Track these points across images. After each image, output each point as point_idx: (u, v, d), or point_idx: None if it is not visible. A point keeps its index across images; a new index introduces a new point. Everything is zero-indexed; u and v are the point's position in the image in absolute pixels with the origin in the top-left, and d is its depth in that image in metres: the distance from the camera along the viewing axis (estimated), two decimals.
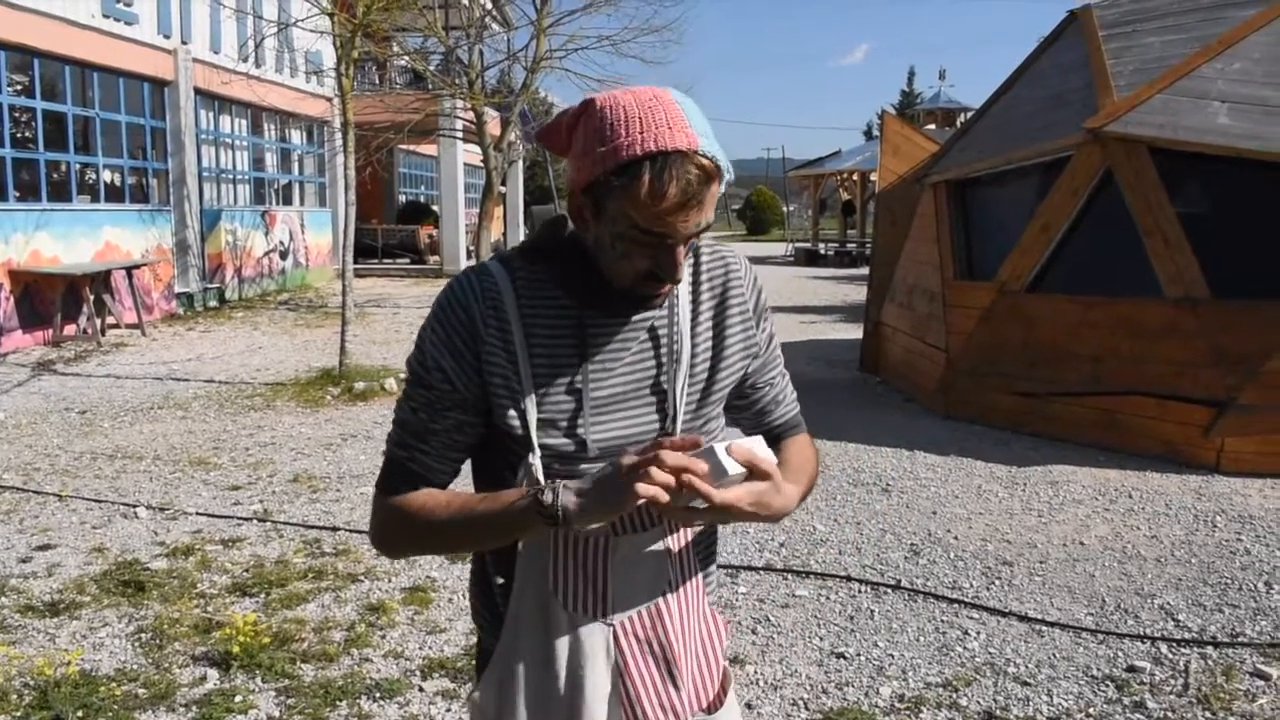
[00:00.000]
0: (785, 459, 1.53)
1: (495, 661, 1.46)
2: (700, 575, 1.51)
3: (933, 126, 27.29)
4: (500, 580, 1.48)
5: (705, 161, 1.26)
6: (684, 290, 1.47)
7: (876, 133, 30.79)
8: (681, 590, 1.46)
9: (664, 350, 1.44)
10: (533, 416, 1.40)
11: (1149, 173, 6.72)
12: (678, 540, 1.46)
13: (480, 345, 1.40)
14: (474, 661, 3.70)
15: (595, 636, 1.41)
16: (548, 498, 1.30)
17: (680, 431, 1.45)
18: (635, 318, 1.43)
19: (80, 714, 3.27)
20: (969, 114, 21.85)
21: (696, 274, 1.50)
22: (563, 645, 1.41)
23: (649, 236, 1.29)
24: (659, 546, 1.44)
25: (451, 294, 1.43)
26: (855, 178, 29.95)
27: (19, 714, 3.29)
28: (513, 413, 1.40)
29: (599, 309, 1.41)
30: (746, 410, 1.59)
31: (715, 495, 1.26)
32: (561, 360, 1.41)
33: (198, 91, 15.30)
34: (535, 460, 1.40)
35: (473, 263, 16.18)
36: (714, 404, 1.50)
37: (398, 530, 1.46)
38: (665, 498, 1.24)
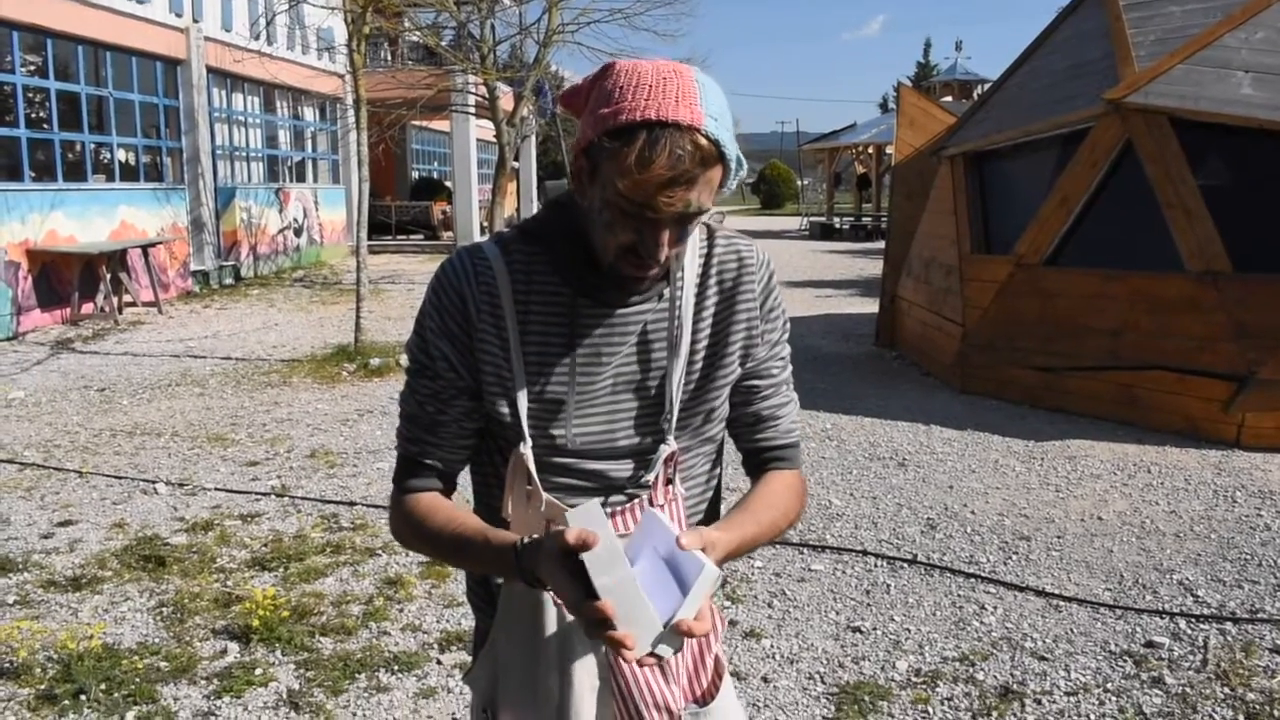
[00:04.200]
0: (751, 498, 1.44)
1: (490, 644, 1.46)
2: None
3: (949, 99, 27.06)
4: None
5: (704, 141, 1.20)
6: (689, 280, 1.41)
7: (892, 105, 30.58)
8: None
9: (662, 343, 1.40)
10: (523, 406, 1.37)
11: (1170, 144, 6.64)
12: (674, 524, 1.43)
13: (473, 330, 1.37)
14: None
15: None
16: (525, 562, 1.25)
17: (675, 426, 1.41)
18: (632, 309, 1.38)
19: (103, 687, 3.30)
20: (986, 86, 21.66)
21: (707, 263, 1.44)
22: (551, 637, 1.40)
23: (633, 208, 1.23)
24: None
25: (445, 276, 1.40)
26: (870, 151, 29.75)
27: (43, 687, 3.32)
28: (503, 401, 1.38)
29: (594, 298, 1.37)
30: (736, 422, 1.50)
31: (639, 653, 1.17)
32: (554, 350, 1.37)
33: (210, 70, 15.28)
34: (526, 450, 1.38)
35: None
36: (709, 401, 1.44)
37: (406, 529, 1.45)
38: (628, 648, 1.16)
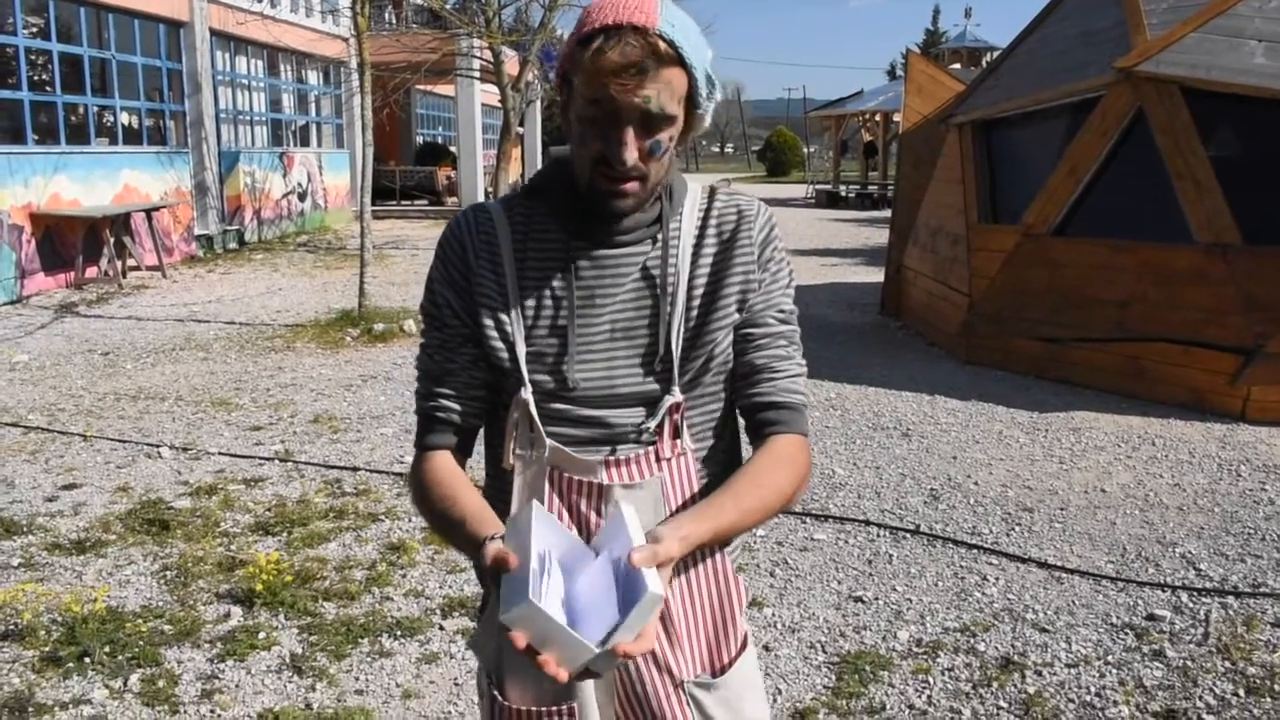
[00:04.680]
0: (738, 476, 1.38)
1: (493, 609, 1.45)
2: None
3: (958, 66, 26.79)
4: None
5: (657, 40, 1.26)
6: (687, 229, 1.44)
7: (900, 73, 30.31)
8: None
9: (658, 289, 1.41)
10: (521, 350, 1.39)
11: (1181, 114, 6.57)
12: (678, 492, 1.41)
13: (472, 276, 1.41)
14: None
15: None
16: (484, 562, 1.23)
17: (678, 375, 1.40)
18: (626, 250, 1.40)
19: (107, 649, 3.32)
20: (995, 53, 21.45)
21: (706, 216, 1.46)
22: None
23: (595, 109, 1.28)
24: (655, 498, 1.39)
25: (449, 231, 1.46)
26: (878, 118, 29.48)
27: (47, 649, 3.34)
28: (500, 345, 1.40)
29: (588, 239, 1.40)
30: (733, 375, 1.46)
31: (562, 675, 1.14)
32: (551, 294, 1.40)
33: (213, 33, 15.16)
34: (527, 395, 1.39)
35: None
36: (707, 348, 1.41)
37: (415, 494, 1.46)
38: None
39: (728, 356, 1.44)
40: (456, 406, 1.44)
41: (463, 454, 1.47)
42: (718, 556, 1.48)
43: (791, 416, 1.44)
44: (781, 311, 1.47)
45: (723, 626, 1.47)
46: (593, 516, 1.38)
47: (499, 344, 1.40)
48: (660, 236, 1.42)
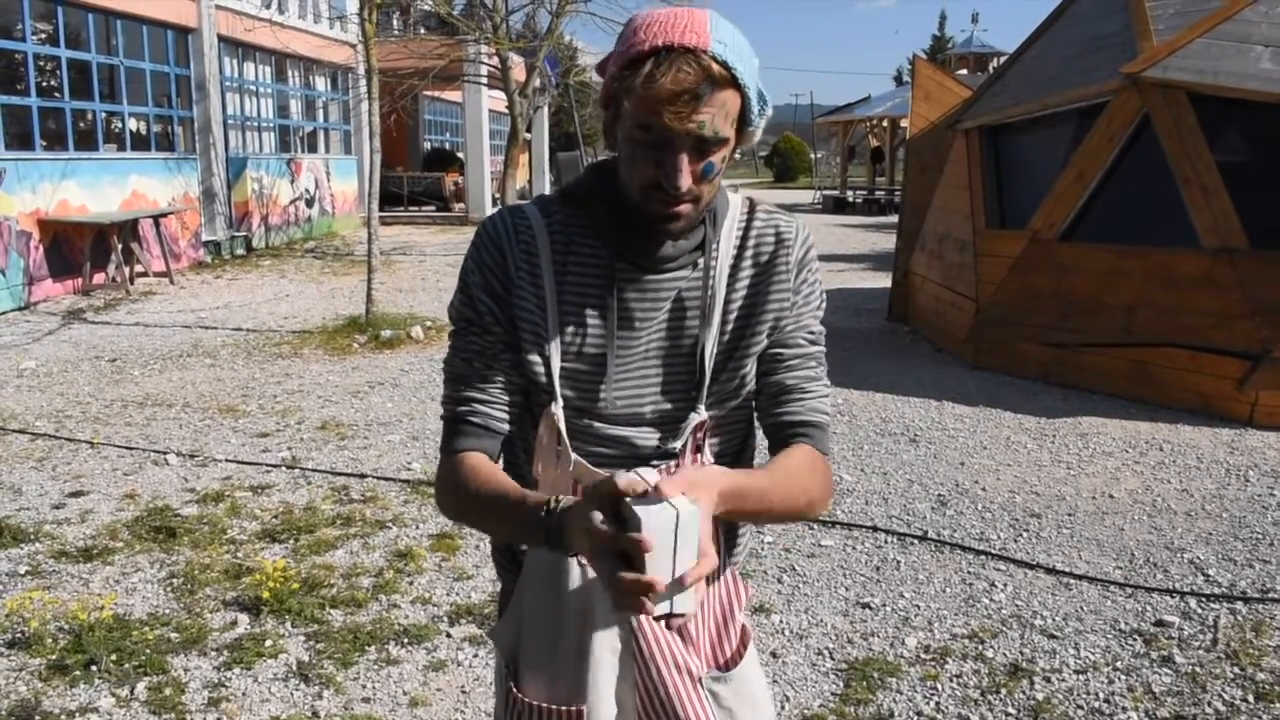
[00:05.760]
0: (776, 460, 1.39)
1: (515, 601, 1.46)
2: (720, 533, 1.46)
3: (965, 72, 26.81)
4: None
5: (710, 62, 1.22)
6: (725, 250, 1.43)
7: (907, 78, 30.32)
8: None
9: (695, 312, 1.41)
10: (556, 365, 1.38)
11: (1188, 119, 6.56)
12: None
13: (511, 285, 1.39)
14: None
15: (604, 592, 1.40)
16: (553, 520, 1.22)
17: (706, 397, 1.41)
18: (668, 275, 1.39)
19: (114, 657, 3.33)
20: (1002, 59, 21.42)
21: (744, 237, 1.45)
22: (573, 598, 1.40)
23: (648, 135, 1.25)
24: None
25: (485, 233, 1.42)
26: (885, 124, 29.50)
27: (54, 657, 3.35)
28: (537, 358, 1.39)
29: (632, 261, 1.38)
30: (760, 394, 1.47)
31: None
32: (590, 311, 1.39)
33: (221, 39, 15.21)
34: (557, 410, 1.38)
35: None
36: (738, 372, 1.43)
37: (449, 494, 1.42)
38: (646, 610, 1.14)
39: (753, 378, 1.46)
40: (494, 412, 1.41)
41: (493, 460, 1.45)
42: (724, 555, 1.49)
43: (819, 435, 1.45)
44: (811, 333, 1.48)
45: (724, 623, 1.50)
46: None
47: (535, 358, 1.39)
48: (701, 262, 1.41)
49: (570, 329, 1.39)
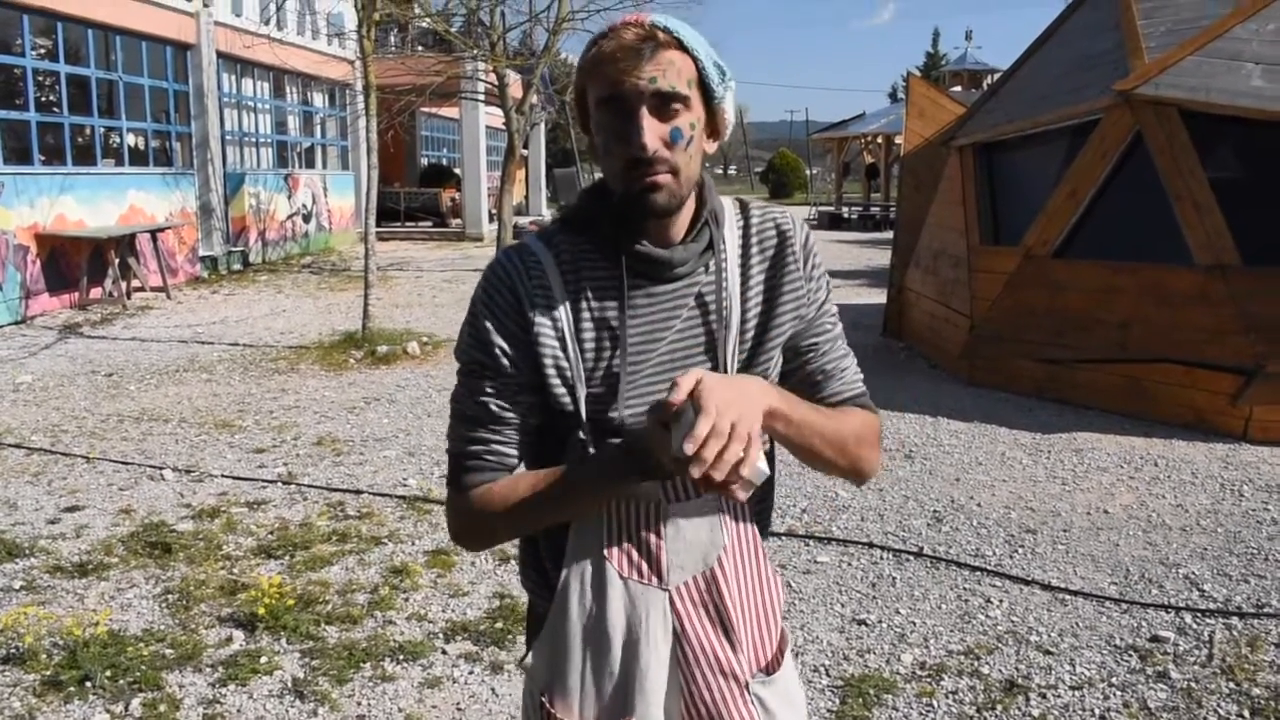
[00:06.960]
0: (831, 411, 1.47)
1: (548, 627, 1.45)
2: (756, 537, 1.49)
3: (958, 89, 26.93)
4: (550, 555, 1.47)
5: (653, 29, 1.30)
6: (732, 252, 1.45)
7: (901, 95, 30.39)
8: (737, 553, 1.44)
9: (713, 316, 1.42)
10: (582, 392, 1.39)
11: (1180, 136, 6.60)
12: (732, 504, 1.43)
13: (530, 326, 1.38)
14: (499, 625, 3.74)
15: (653, 602, 1.40)
16: (636, 445, 1.29)
17: None
18: (681, 284, 1.41)
19: (109, 673, 3.32)
20: (996, 76, 21.54)
21: (746, 235, 1.47)
22: (618, 611, 1.39)
23: (611, 109, 1.30)
24: (712, 509, 1.42)
25: (495, 277, 1.41)
26: (879, 141, 29.59)
27: (49, 673, 3.34)
28: (563, 390, 1.39)
29: (643, 275, 1.39)
30: (802, 383, 1.49)
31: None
32: (608, 333, 1.39)
33: (220, 55, 15.26)
34: (586, 436, 1.39)
35: (494, 226, 16.19)
36: (760, 369, 1.45)
37: (478, 520, 1.42)
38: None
39: (776, 376, 1.48)
40: (510, 451, 1.42)
41: None
42: (760, 558, 1.49)
43: (866, 402, 1.53)
44: (833, 316, 1.53)
45: (765, 626, 1.50)
46: (651, 539, 1.40)
47: (561, 389, 1.39)
48: (712, 264, 1.42)
49: (590, 354, 1.39)
